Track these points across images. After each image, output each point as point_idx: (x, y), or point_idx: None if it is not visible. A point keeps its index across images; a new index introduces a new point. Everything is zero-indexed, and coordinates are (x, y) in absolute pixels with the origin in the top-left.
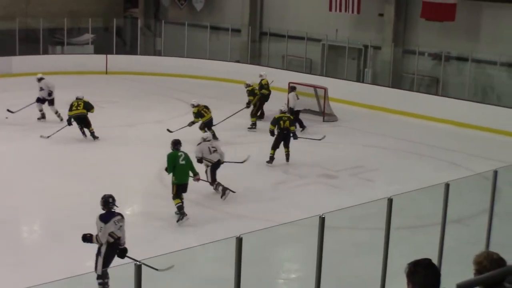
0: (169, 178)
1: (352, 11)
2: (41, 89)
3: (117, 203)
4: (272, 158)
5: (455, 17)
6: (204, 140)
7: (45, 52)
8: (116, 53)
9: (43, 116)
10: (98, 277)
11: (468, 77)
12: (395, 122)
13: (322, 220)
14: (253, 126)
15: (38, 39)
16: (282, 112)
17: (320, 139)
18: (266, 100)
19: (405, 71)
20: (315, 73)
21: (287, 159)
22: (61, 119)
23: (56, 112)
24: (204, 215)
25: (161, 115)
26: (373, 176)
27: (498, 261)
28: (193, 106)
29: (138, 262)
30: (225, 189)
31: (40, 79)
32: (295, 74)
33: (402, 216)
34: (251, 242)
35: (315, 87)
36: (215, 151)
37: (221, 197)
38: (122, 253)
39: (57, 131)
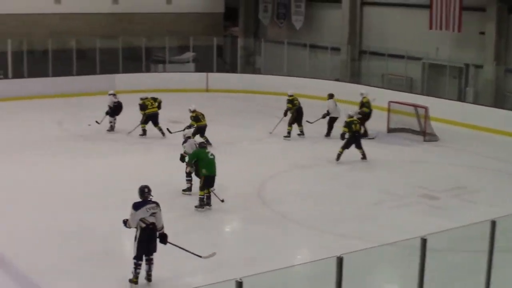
0: (267, 195)
1: (453, 29)
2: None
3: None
4: (339, 156)
5: None
6: (188, 137)
7: (147, 70)
8: (217, 71)
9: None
10: (134, 258)
11: None
12: (498, 143)
13: (423, 241)
14: (288, 134)
15: (140, 58)
16: (350, 116)
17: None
18: (367, 119)
19: (508, 90)
20: (416, 91)
21: (364, 157)
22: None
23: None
24: (301, 232)
25: (261, 132)
26: (476, 198)
27: None
28: (191, 111)
29: (182, 248)
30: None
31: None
32: (395, 93)
33: (507, 239)
34: (351, 262)
35: (415, 106)
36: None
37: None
38: (162, 238)
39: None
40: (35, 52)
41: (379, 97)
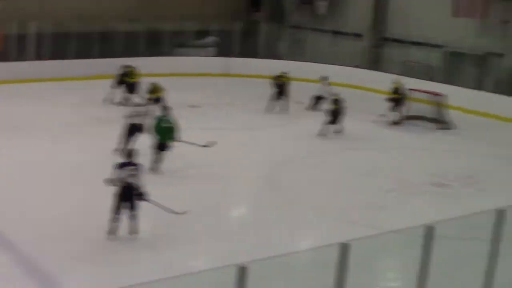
0: (279, 182)
1: (477, 17)
2: None
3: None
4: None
5: None
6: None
7: (169, 54)
8: (238, 56)
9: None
10: (111, 210)
11: None
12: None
13: (430, 229)
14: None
15: (162, 41)
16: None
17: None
18: (401, 104)
19: None
20: (436, 80)
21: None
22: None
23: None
24: (310, 219)
25: (280, 118)
26: (487, 187)
27: None
28: None
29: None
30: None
31: None
32: (415, 81)
33: None
34: (358, 249)
35: (434, 94)
36: None
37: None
38: (139, 196)
39: None
40: (59, 34)
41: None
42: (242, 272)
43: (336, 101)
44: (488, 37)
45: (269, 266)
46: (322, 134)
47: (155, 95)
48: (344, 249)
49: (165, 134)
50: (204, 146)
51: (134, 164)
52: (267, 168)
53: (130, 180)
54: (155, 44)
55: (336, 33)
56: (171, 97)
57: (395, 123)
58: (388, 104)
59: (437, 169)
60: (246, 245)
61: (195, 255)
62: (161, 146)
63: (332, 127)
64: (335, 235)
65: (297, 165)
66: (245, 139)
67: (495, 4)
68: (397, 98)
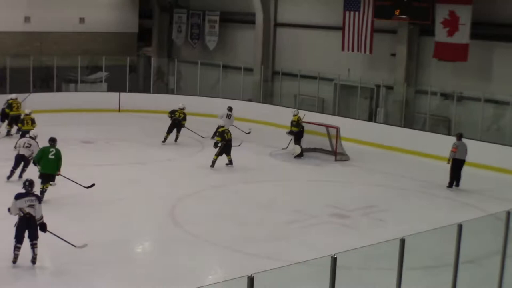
0: (181, 216)
1: (365, 51)
2: None
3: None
4: (214, 163)
5: (467, 57)
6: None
7: (59, 89)
8: (129, 91)
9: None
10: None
11: (480, 117)
12: (408, 162)
13: (334, 260)
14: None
15: (52, 77)
16: (222, 126)
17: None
18: (301, 137)
19: (418, 111)
20: (328, 112)
21: (231, 163)
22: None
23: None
24: (213, 252)
25: (174, 153)
26: (385, 216)
27: None
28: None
29: (59, 237)
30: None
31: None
32: (307, 113)
33: (415, 257)
34: (262, 281)
35: (327, 127)
36: None
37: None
38: (41, 227)
39: None
40: None
41: (290, 117)
42: None
43: (223, 134)
44: (377, 70)
45: None
46: (212, 166)
47: (16, 112)
48: (251, 282)
49: (48, 166)
50: (88, 187)
51: (33, 195)
52: (166, 203)
53: (28, 210)
54: (45, 80)
55: (226, 67)
56: (63, 133)
57: (298, 155)
58: (288, 137)
59: (336, 200)
60: (152, 280)
61: None
62: (44, 177)
63: (224, 159)
64: (239, 269)
65: (197, 198)
66: (140, 174)
67: (382, 38)
68: (298, 131)
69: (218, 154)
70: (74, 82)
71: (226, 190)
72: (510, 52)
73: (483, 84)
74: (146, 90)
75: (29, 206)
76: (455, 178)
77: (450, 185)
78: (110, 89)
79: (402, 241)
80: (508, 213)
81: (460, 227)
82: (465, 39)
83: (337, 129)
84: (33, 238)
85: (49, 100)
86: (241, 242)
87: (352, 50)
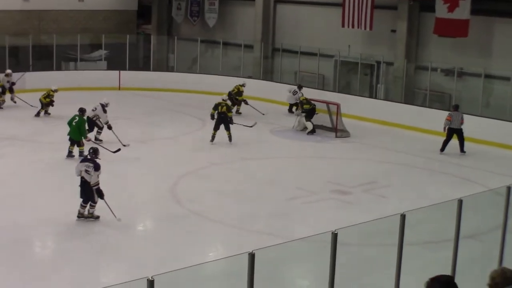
0: (182, 194)
1: (365, 27)
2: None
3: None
4: (213, 137)
5: (468, 33)
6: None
7: (59, 68)
8: (129, 69)
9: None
10: None
11: (481, 93)
12: (408, 138)
13: (334, 236)
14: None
15: (51, 55)
16: (223, 99)
17: (251, 126)
18: (312, 114)
19: (418, 87)
20: (328, 89)
21: (230, 139)
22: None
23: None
24: (215, 230)
25: (174, 131)
26: (386, 192)
27: (511, 278)
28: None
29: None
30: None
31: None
32: (307, 90)
33: (416, 232)
34: (263, 258)
35: (327, 103)
36: None
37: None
38: (98, 193)
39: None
40: None
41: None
42: (150, 285)
43: (218, 106)
44: (377, 46)
45: (177, 278)
46: (212, 140)
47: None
48: (252, 258)
49: (71, 131)
50: (115, 151)
51: (92, 161)
52: (169, 181)
53: (83, 174)
54: (44, 58)
55: (226, 44)
56: (63, 111)
57: (311, 132)
58: (294, 116)
59: (337, 177)
60: (153, 258)
61: (102, 270)
62: (70, 140)
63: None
64: (240, 245)
65: (198, 176)
66: (142, 152)
67: (382, 14)
68: (310, 108)
69: (215, 128)
70: (73, 61)
71: (227, 167)
72: (510, 28)
73: (484, 60)
74: (146, 68)
75: (86, 171)
76: (447, 144)
77: (442, 150)
78: (110, 67)
79: (403, 217)
80: (509, 188)
81: (460, 202)
82: (466, 15)
83: (338, 105)
84: (86, 200)
85: (49, 78)
86: (242, 219)
87: (352, 27)
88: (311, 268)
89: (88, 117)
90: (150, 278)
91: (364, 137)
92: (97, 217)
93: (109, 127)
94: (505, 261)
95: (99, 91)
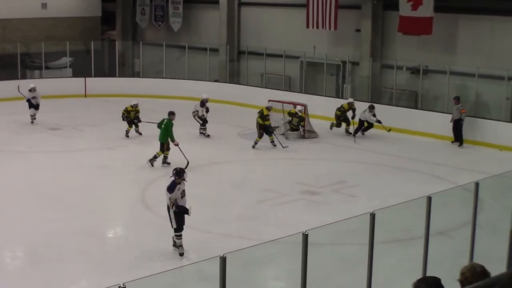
0: (151, 200)
1: (329, 28)
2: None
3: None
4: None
5: (432, 31)
6: None
7: (23, 76)
8: (95, 76)
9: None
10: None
11: (446, 90)
12: (376, 137)
13: (305, 237)
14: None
15: (16, 64)
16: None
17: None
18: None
19: (384, 85)
20: (294, 90)
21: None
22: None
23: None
24: (185, 234)
25: (141, 136)
26: (356, 192)
27: (481, 274)
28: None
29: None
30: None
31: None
32: (274, 92)
33: (386, 231)
34: (235, 261)
35: (294, 104)
36: None
37: None
38: (179, 217)
39: None
40: None
41: (259, 96)
42: None
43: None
44: (343, 46)
45: (149, 284)
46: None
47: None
48: (223, 262)
49: (160, 135)
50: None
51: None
52: (138, 186)
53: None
54: (8, 67)
55: (192, 48)
56: (29, 120)
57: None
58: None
59: (306, 178)
60: (124, 264)
61: (74, 278)
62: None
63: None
64: (211, 249)
65: (166, 181)
66: (110, 159)
67: (346, 14)
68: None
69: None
70: (38, 69)
71: (195, 171)
72: (474, 24)
73: (449, 57)
74: (112, 74)
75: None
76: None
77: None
78: (76, 74)
79: (373, 216)
80: (477, 184)
81: (429, 199)
82: (429, 12)
83: (305, 106)
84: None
85: (13, 88)
86: (212, 223)
87: (317, 27)
88: (283, 269)
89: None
90: (122, 285)
91: (332, 137)
92: (181, 253)
93: (204, 121)
94: (475, 256)
95: (65, 99)
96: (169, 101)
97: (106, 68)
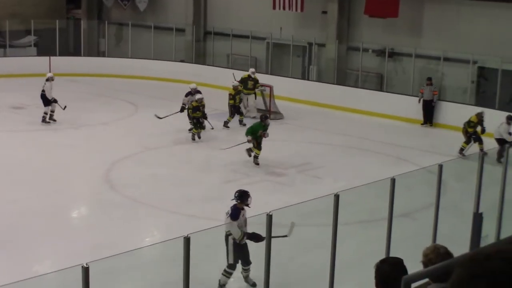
0: (116, 180)
1: (296, 9)
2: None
3: (61, 207)
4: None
5: (398, 13)
6: None
7: None
8: (60, 55)
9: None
10: None
11: (412, 73)
12: (341, 119)
13: (269, 217)
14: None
15: None
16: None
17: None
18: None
19: (350, 67)
20: (260, 71)
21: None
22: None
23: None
24: (150, 215)
25: (107, 116)
26: (320, 173)
27: (444, 255)
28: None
29: None
30: None
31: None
32: (240, 73)
33: (350, 212)
34: (199, 241)
35: (261, 85)
36: None
37: None
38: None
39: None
40: None
41: (225, 77)
42: (85, 272)
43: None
44: (309, 28)
45: (113, 265)
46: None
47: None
48: (187, 242)
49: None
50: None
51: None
52: (103, 167)
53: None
54: None
55: (158, 28)
56: None
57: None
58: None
59: (271, 159)
60: (89, 245)
61: (39, 259)
62: None
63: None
64: (176, 230)
65: (132, 161)
66: (75, 138)
67: None
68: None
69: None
70: (2, 47)
71: (161, 152)
72: (440, 7)
73: (414, 40)
74: (77, 53)
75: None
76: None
77: (424, 123)
78: (40, 53)
79: (337, 197)
80: (441, 166)
81: (393, 181)
82: None
83: (271, 88)
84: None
85: None
86: (177, 203)
87: (284, 9)
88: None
89: None
90: (85, 265)
91: (297, 118)
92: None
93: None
94: (438, 238)
95: (29, 78)
96: (134, 81)
97: (71, 47)
